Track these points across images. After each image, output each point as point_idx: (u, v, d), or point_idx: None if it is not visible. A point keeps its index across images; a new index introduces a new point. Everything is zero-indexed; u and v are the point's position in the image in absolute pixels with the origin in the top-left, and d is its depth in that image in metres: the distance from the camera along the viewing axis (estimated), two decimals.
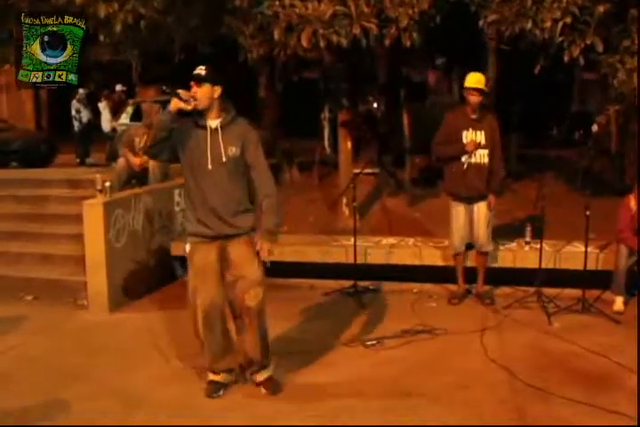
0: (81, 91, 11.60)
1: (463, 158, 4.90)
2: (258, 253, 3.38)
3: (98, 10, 5.50)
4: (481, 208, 4.98)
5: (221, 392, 3.54)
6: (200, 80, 3.25)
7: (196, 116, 3.32)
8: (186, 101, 3.21)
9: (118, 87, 11.82)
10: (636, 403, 3.24)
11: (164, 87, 10.85)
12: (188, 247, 3.45)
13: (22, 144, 10.89)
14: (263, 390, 3.53)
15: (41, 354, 4.23)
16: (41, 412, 3.37)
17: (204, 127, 3.32)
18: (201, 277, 3.39)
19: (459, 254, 5.13)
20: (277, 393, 3.51)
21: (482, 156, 4.91)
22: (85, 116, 11.72)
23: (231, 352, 3.56)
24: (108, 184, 5.33)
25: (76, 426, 3.21)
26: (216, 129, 3.32)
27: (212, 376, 3.57)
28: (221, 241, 3.37)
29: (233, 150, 3.32)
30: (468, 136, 4.90)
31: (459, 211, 5.01)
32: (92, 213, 5.21)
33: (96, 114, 11.82)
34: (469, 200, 4.99)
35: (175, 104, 3.20)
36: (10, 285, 5.53)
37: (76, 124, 11.74)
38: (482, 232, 4.99)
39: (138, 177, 6.21)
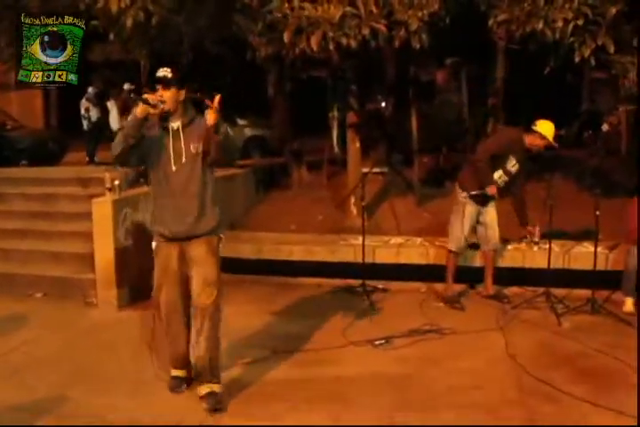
0: (90, 90, 11.63)
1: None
2: (216, 255, 3.42)
3: (110, 4, 5.50)
4: (490, 209, 5.04)
5: (183, 387, 3.58)
6: (168, 83, 3.21)
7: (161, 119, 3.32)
8: (154, 106, 3.16)
9: (126, 86, 11.83)
10: (636, 403, 3.23)
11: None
12: (154, 245, 3.50)
13: (32, 142, 10.94)
14: (204, 405, 3.35)
15: (51, 350, 4.26)
16: (50, 407, 3.40)
17: (168, 129, 3.32)
18: (165, 276, 3.46)
19: (459, 254, 5.12)
20: (218, 411, 3.32)
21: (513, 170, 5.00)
22: (94, 114, 11.75)
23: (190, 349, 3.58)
24: (117, 183, 5.36)
25: (76, 426, 3.23)
26: (177, 130, 3.32)
27: (174, 372, 3.63)
28: (182, 242, 3.40)
29: (195, 147, 3.29)
30: (512, 162, 4.95)
31: (472, 211, 5.01)
32: (101, 212, 5.24)
33: (105, 113, 11.85)
34: (484, 202, 5.02)
35: (143, 109, 3.16)
36: (20, 282, 5.58)
37: (85, 122, 11.78)
38: (494, 231, 5.06)
39: (145, 176, 6.22)
